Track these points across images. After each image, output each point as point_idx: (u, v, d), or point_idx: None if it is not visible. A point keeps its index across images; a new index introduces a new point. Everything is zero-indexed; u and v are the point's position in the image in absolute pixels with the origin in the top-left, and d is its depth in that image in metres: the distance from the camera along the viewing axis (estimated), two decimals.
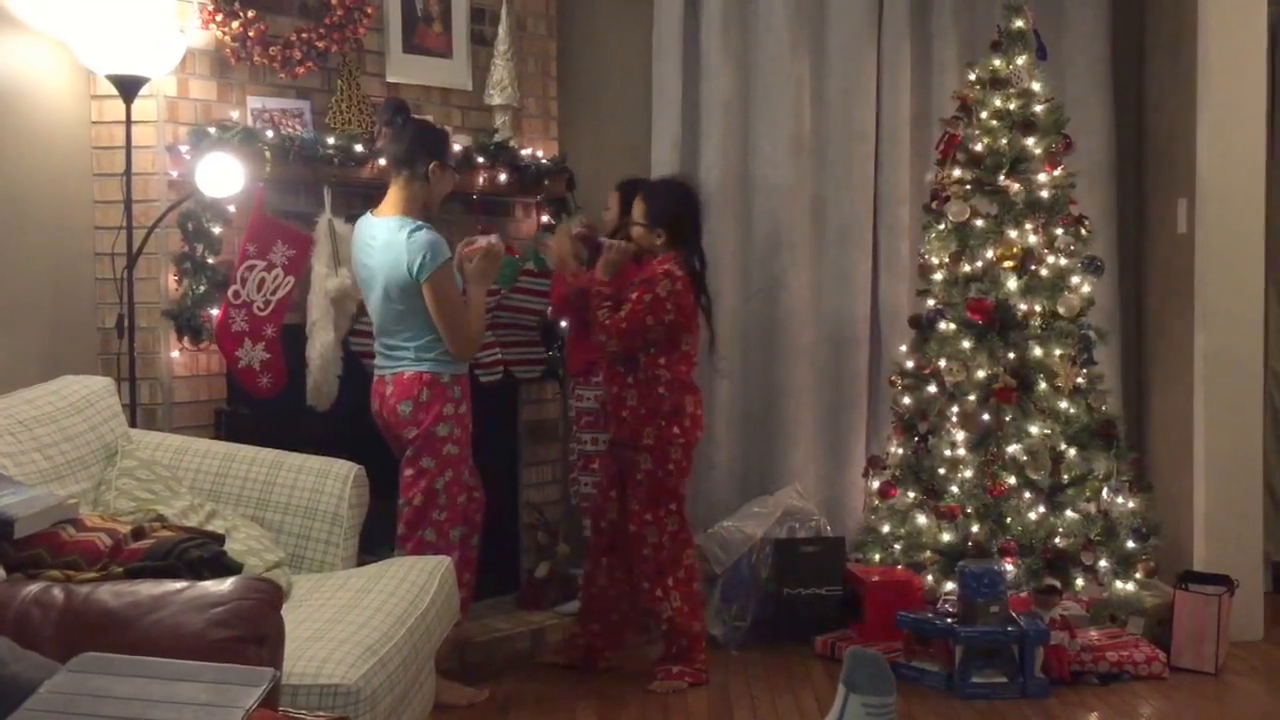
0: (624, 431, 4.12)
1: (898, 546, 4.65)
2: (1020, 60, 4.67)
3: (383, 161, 4.11)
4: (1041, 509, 4.49)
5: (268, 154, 3.85)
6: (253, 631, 2.17)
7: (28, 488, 2.67)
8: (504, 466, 4.68)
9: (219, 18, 3.88)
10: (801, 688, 4.16)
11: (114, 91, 3.66)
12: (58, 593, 2.27)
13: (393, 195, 3.84)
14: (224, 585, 2.26)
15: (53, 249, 3.76)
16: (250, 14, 3.93)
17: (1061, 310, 4.58)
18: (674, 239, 4.12)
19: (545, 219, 4.68)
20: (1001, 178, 4.64)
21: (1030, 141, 4.63)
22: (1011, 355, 4.57)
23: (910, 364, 4.78)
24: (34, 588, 2.30)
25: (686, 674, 4.15)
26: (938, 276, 4.72)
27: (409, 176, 3.82)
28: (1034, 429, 4.52)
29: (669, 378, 4.07)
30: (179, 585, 2.29)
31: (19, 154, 3.65)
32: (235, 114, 3.94)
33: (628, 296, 4.05)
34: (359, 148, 4.07)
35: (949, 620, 4.13)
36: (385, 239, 3.77)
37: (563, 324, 4.59)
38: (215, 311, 3.82)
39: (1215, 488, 4.64)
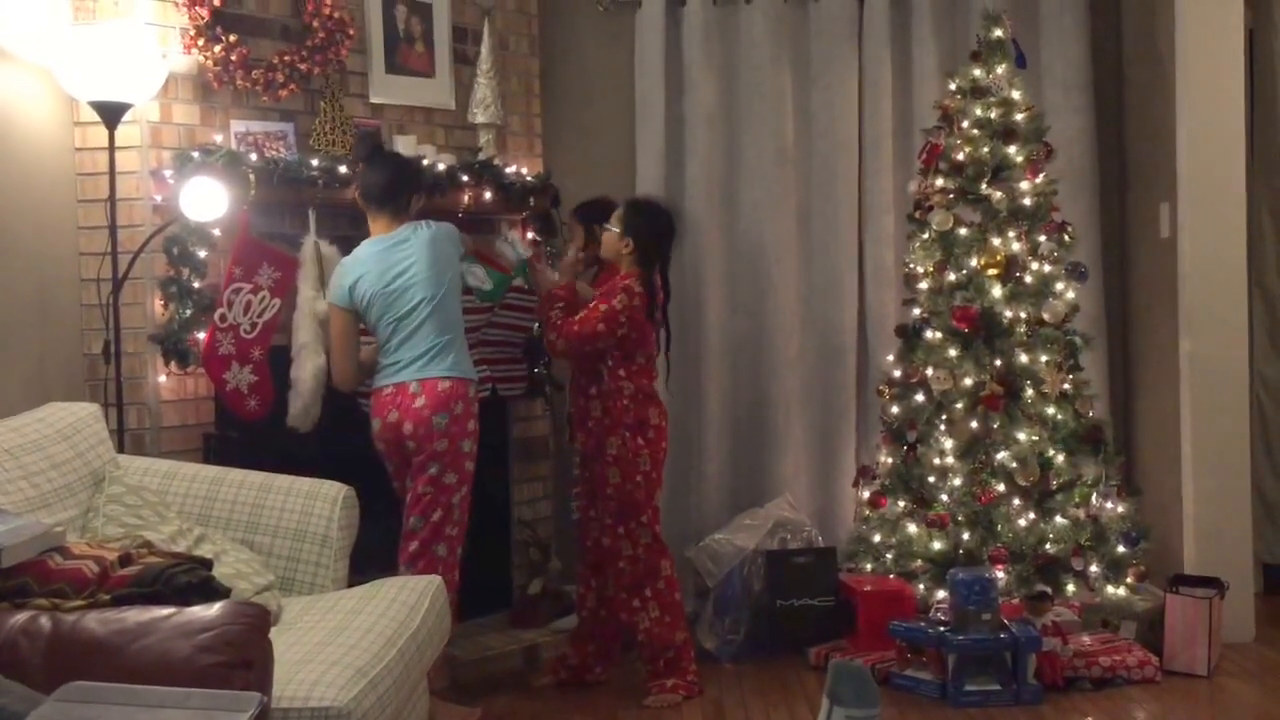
0: (589, 443, 4.15)
1: (889, 556, 4.65)
2: (1000, 69, 4.70)
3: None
4: (1031, 515, 4.50)
5: (252, 177, 3.85)
6: (240, 656, 2.17)
7: (14, 516, 2.67)
8: (496, 483, 4.68)
9: (201, 42, 3.89)
10: (795, 699, 4.16)
11: (97, 118, 3.67)
12: (45, 622, 2.28)
13: (386, 224, 3.85)
14: (210, 610, 2.26)
15: (37, 276, 3.76)
16: (232, 38, 3.94)
17: (1047, 316, 4.60)
18: (640, 255, 4.15)
19: (531, 236, 4.69)
20: (984, 186, 4.66)
21: (1012, 149, 4.66)
22: (998, 362, 4.59)
23: (898, 373, 4.79)
24: (21, 617, 2.30)
25: (680, 686, 4.15)
26: (923, 285, 4.73)
27: (395, 209, 3.85)
28: (1022, 435, 4.53)
29: (632, 389, 4.10)
30: (166, 611, 2.29)
31: (2, 182, 3.65)
32: (219, 138, 3.95)
33: (586, 303, 4.11)
34: (343, 169, 4.08)
35: (941, 629, 4.14)
36: (425, 236, 3.80)
37: None
38: (202, 335, 3.82)
39: (1204, 490, 4.65)
